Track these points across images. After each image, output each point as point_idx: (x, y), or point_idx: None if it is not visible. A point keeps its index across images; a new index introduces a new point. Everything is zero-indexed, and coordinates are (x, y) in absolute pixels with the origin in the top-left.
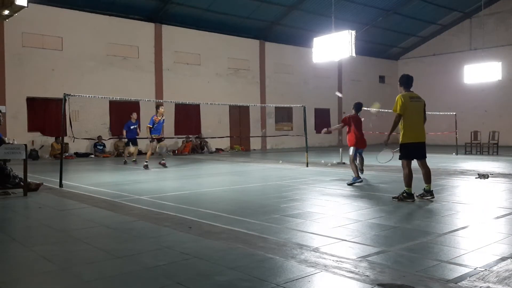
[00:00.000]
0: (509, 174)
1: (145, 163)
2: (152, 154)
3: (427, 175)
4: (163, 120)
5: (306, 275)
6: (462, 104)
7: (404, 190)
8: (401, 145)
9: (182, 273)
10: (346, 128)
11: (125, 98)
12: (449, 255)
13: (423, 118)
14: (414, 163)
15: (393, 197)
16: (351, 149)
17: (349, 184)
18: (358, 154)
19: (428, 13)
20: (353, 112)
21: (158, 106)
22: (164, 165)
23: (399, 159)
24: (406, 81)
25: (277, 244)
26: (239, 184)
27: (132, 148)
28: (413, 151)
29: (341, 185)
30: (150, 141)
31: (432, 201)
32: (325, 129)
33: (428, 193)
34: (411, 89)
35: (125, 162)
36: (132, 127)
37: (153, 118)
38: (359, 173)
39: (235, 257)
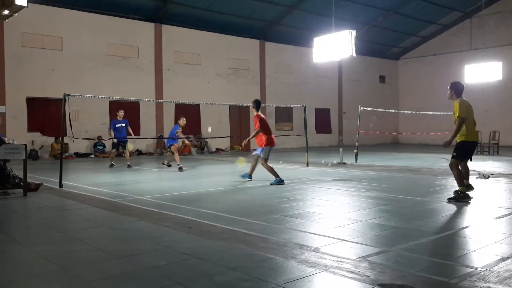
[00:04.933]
0: (510, 174)
1: (179, 165)
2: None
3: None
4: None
5: (306, 275)
6: None
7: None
8: (461, 143)
9: (182, 273)
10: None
11: (125, 98)
12: (449, 255)
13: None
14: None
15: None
16: (267, 149)
17: (272, 184)
18: (257, 156)
19: (428, 13)
20: (255, 112)
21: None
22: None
23: (455, 158)
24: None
25: (277, 244)
26: (239, 184)
27: (113, 152)
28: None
29: (341, 185)
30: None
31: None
32: (245, 141)
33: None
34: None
35: (111, 165)
36: (117, 125)
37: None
38: (250, 174)
39: (235, 257)
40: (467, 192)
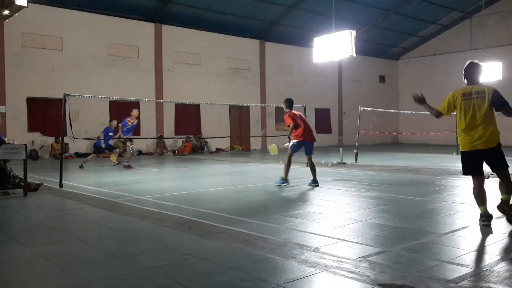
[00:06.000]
0: (510, 174)
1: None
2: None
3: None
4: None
5: (306, 275)
6: None
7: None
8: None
9: (182, 273)
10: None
11: (125, 98)
12: (450, 255)
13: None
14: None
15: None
16: (293, 143)
17: (279, 184)
18: (307, 157)
19: (428, 13)
20: (287, 110)
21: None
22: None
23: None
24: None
25: (277, 244)
26: (239, 184)
27: (92, 156)
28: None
29: (341, 185)
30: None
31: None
32: (288, 141)
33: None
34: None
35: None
36: (110, 134)
37: (127, 120)
38: (314, 179)
39: (235, 257)
40: (489, 214)
